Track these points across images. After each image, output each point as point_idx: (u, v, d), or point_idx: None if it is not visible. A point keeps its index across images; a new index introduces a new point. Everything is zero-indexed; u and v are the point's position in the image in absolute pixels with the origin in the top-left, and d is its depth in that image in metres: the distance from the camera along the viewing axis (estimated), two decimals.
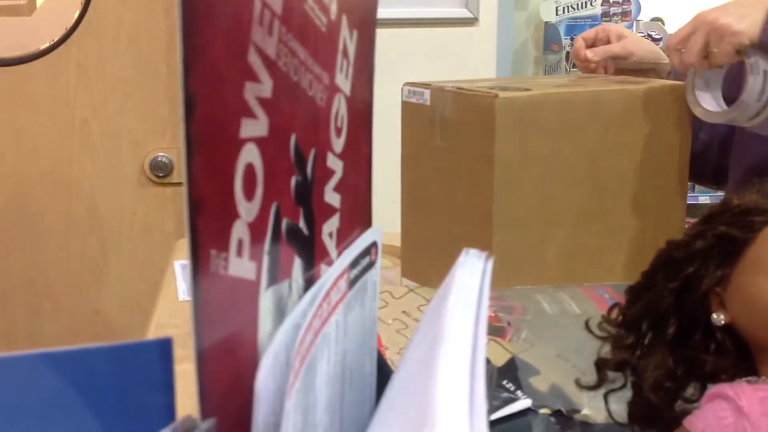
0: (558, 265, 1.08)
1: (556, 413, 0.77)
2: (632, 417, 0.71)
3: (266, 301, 0.40)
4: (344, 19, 0.48)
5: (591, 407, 0.76)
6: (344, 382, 0.50)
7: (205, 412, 0.34)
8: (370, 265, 0.54)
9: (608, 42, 1.35)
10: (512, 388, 0.80)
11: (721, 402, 0.62)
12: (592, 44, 1.35)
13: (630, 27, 3.36)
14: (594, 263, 1.10)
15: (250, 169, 0.37)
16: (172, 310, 1.24)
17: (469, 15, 2.22)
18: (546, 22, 3.27)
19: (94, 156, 2.15)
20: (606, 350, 0.72)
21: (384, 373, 0.59)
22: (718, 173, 1.33)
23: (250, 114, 0.37)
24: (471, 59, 2.26)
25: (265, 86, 0.38)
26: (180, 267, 1.41)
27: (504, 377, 0.81)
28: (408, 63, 2.12)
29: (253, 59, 0.37)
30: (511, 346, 0.86)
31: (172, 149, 2.17)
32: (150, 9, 2.10)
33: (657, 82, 1.14)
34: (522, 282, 1.02)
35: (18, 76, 2.10)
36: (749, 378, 0.64)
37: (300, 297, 0.44)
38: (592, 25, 3.32)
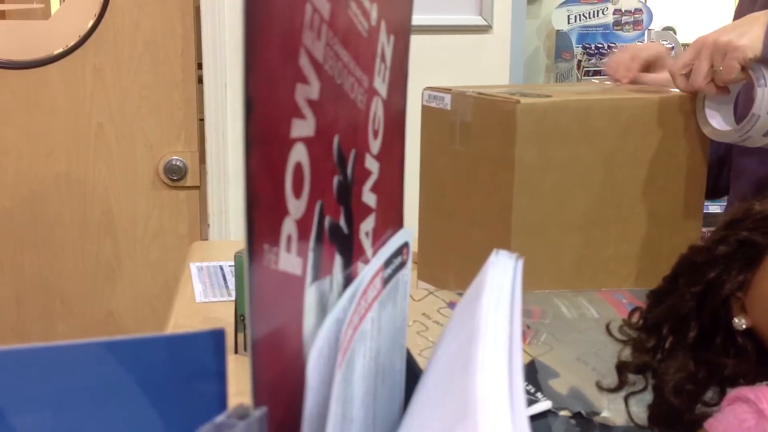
0: (574, 271, 1.09)
1: (576, 415, 0.77)
2: (653, 420, 0.71)
3: (310, 296, 0.41)
4: (383, 24, 0.49)
5: (611, 410, 0.77)
6: (377, 378, 0.51)
7: (257, 401, 0.35)
8: (402, 264, 0.55)
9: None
10: (532, 391, 0.81)
11: (741, 405, 0.63)
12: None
13: (641, 36, 3.37)
14: (609, 270, 1.11)
15: (298, 168, 0.38)
16: (188, 311, 1.25)
17: (483, 23, 2.24)
18: (558, 30, 3.29)
19: (110, 159, 2.17)
20: (626, 353, 0.73)
21: (411, 372, 0.60)
22: (717, 189, 1.35)
23: (300, 115, 0.38)
24: (484, 66, 2.27)
25: (313, 88, 0.39)
26: (196, 269, 1.42)
27: (524, 379, 0.82)
28: (422, 69, 2.13)
29: (304, 62, 0.38)
30: (530, 349, 0.87)
31: (187, 153, 2.19)
32: (166, 14, 2.12)
33: (676, 92, 1.15)
34: (538, 286, 1.03)
35: (34, 80, 2.12)
36: None
37: (339, 293, 0.46)
38: (603, 34, 3.33)
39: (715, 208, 3.33)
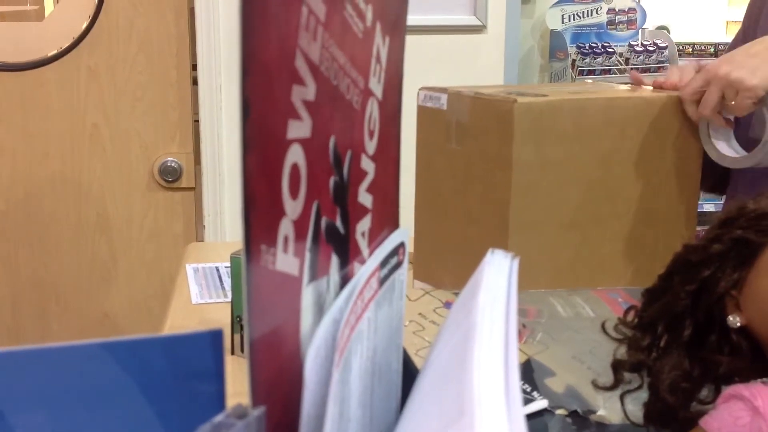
0: (571, 269, 1.09)
1: (572, 414, 0.78)
2: (648, 417, 0.72)
3: (307, 296, 0.41)
4: (378, 25, 0.50)
5: (607, 408, 0.77)
6: (374, 377, 0.51)
7: (255, 401, 0.35)
8: (398, 264, 0.56)
9: None
10: (528, 390, 0.81)
11: (737, 402, 0.64)
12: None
13: (635, 35, 3.38)
14: (606, 268, 1.12)
15: (295, 169, 0.39)
16: (185, 313, 1.25)
17: (477, 23, 2.24)
18: (552, 30, 3.29)
19: (105, 160, 2.17)
20: (621, 352, 0.73)
21: (408, 371, 0.60)
22: (718, 185, 1.35)
23: (297, 116, 0.38)
24: (479, 66, 2.27)
25: (309, 89, 0.40)
26: (192, 270, 1.42)
27: (520, 378, 0.82)
28: (417, 69, 2.13)
29: (300, 64, 0.38)
30: (526, 348, 0.87)
31: (182, 154, 2.19)
32: (161, 14, 2.12)
33: (670, 92, 1.16)
34: (536, 285, 1.03)
35: (29, 82, 2.12)
36: (765, 379, 0.65)
37: (336, 293, 0.46)
38: (597, 34, 3.34)
39: (709, 206, 3.34)
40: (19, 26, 2.14)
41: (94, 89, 2.14)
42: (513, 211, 1.02)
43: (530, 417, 0.78)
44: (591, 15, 3.31)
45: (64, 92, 2.14)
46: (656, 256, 1.15)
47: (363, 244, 0.51)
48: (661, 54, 3.34)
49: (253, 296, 0.35)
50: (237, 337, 1.03)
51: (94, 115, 2.15)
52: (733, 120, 1.12)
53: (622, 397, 0.73)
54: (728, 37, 3.85)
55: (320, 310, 0.43)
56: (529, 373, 0.83)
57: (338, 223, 0.46)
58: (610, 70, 3.26)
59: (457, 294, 0.89)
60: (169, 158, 2.19)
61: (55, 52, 2.12)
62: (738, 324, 0.67)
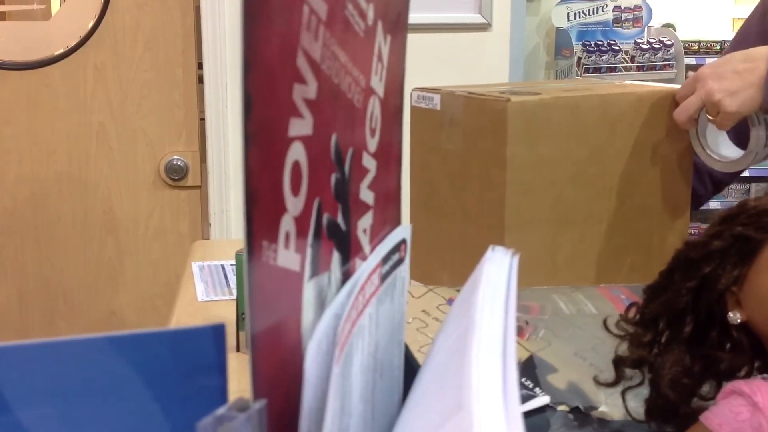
0: (568, 267, 1.09)
1: (574, 410, 0.78)
2: (649, 413, 0.72)
3: (309, 291, 0.42)
4: (380, 24, 0.50)
5: (608, 404, 0.78)
6: (376, 373, 0.52)
7: (257, 394, 0.36)
8: (400, 261, 0.56)
9: None
10: (531, 386, 0.81)
11: (737, 398, 0.64)
12: None
13: (641, 33, 3.38)
14: (602, 265, 1.12)
15: (296, 166, 0.39)
16: (190, 310, 1.26)
17: (482, 20, 2.25)
18: (558, 28, 3.30)
19: (111, 158, 2.18)
20: (623, 348, 0.74)
21: (411, 367, 0.61)
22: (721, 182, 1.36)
23: (298, 114, 0.39)
24: (484, 64, 2.28)
25: (311, 88, 0.40)
26: (198, 268, 1.43)
27: (522, 375, 0.83)
28: (422, 68, 2.13)
29: (301, 62, 0.39)
30: (529, 345, 0.88)
31: (188, 152, 2.20)
32: (166, 13, 2.13)
33: (663, 87, 1.16)
34: (532, 283, 1.04)
35: (36, 81, 2.13)
36: (765, 375, 0.66)
37: (338, 289, 0.47)
38: (603, 31, 3.34)
39: (715, 204, 3.35)
40: (26, 25, 2.15)
41: (100, 88, 2.15)
42: (509, 209, 1.03)
43: (532, 413, 0.78)
44: (597, 12, 3.32)
45: (71, 91, 2.15)
46: (651, 251, 1.16)
47: (365, 240, 0.51)
48: (667, 51, 3.34)
49: (255, 291, 0.35)
50: (242, 334, 1.04)
51: (100, 114, 2.16)
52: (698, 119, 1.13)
53: (623, 394, 0.73)
54: (734, 34, 3.84)
55: (321, 306, 0.44)
56: (532, 369, 0.84)
57: (339, 219, 0.46)
58: (615, 67, 3.26)
59: (459, 291, 0.90)
60: (175, 156, 2.20)
61: (61, 51, 2.13)
62: (738, 320, 0.67)
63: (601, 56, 3.24)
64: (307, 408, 0.39)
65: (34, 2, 2.14)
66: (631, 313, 0.74)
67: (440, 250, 1.14)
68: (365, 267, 0.48)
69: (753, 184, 3.58)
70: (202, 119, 2.17)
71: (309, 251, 0.41)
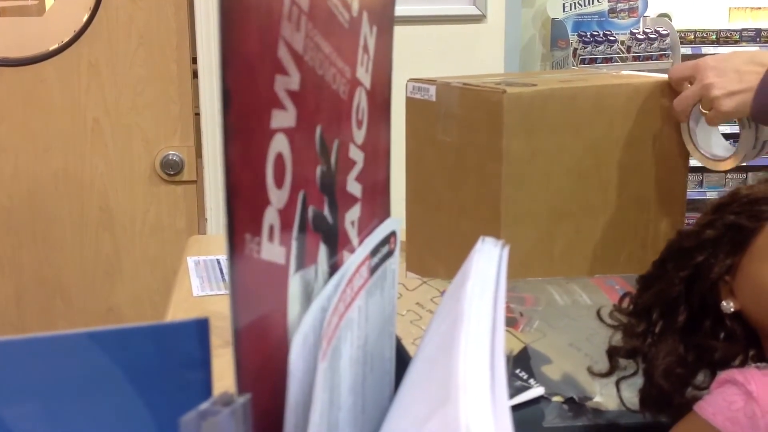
0: (564, 259, 1.09)
1: (569, 401, 0.78)
2: (643, 403, 0.72)
3: (295, 284, 0.42)
4: (365, 15, 0.50)
5: (603, 395, 0.78)
6: (366, 366, 0.51)
7: (241, 388, 0.35)
8: (390, 253, 0.56)
9: None
10: (525, 377, 0.81)
11: (730, 387, 0.64)
12: None
13: (637, 23, 3.38)
14: (599, 256, 1.12)
15: (280, 159, 0.39)
16: (186, 305, 1.26)
17: (477, 12, 2.24)
18: (553, 19, 3.29)
19: (106, 154, 2.18)
20: (617, 339, 0.74)
21: (402, 360, 0.60)
22: None
23: (280, 105, 0.39)
24: (479, 56, 2.27)
25: (294, 79, 0.40)
26: (193, 263, 1.43)
27: (517, 366, 0.82)
28: (416, 60, 2.13)
29: (283, 54, 0.38)
30: (523, 336, 0.88)
31: (183, 147, 2.19)
32: (160, 8, 2.12)
33: (659, 78, 1.16)
34: (529, 275, 1.04)
35: (29, 76, 2.12)
36: (759, 364, 0.66)
37: (325, 282, 0.46)
38: (599, 22, 3.33)
39: (713, 194, 3.35)
40: (20, 21, 2.15)
41: (94, 84, 2.14)
42: (505, 202, 1.02)
43: (527, 404, 0.78)
44: (592, 3, 3.31)
45: (65, 87, 2.14)
46: (647, 242, 1.16)
47: (353, 233, 0.51)
48: (663, 42, 3.33)
49: (238, 285, 0.35)
50: None
51: (95, 110, 2.16)
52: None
53: (617, 384, 0.73)
54: (731, 24, 3.84)
55: (308, 299, 0.43)
56: (526, 360, 0.83)
57: (326, 212, 0.46)
58: (611, 58, 3.26)
59: None
60: (171, 152, 2.19)
61: (56, 46, 2.12)
62: (732, 309, 0.67)
63: (597, 47, 3.23)
64: (293, 402, 0.38)
65: None
66: (625, 304, 0.74)
67: (436, 243, 1.14)
68: (353, 259, 0.48)
69: (750, 174, 3.58)
70: (197, 114, 2.17)
71: (294, 244, 0.41)
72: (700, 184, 3.65)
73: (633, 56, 3.29)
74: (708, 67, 1.07)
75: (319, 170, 0.44)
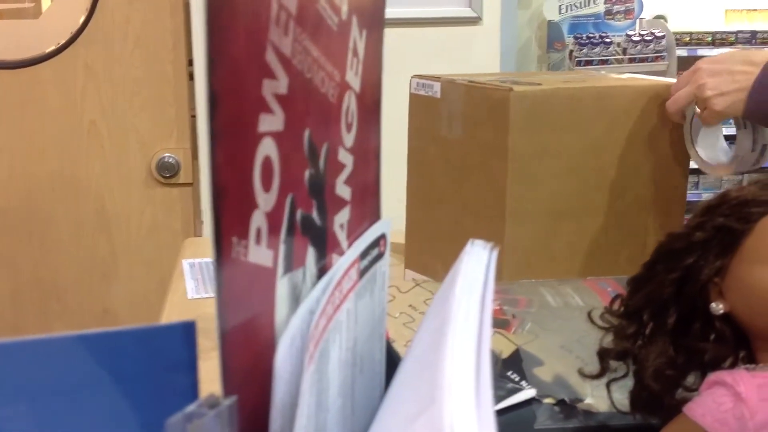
0: (565, 259, 1.10)
1: (560, 402, 0.78)
2: (634, 405, 0.72)
3: (282, 287, 0.42)
4: (354, 19, 0.50)
5: (594, 396, 0.78)
6: (355, 368, 0.52)
7: (227, 390, 0.36)
8: (380, 255, 0.56)
9: None
10: (517, 379, 0.81)
11: (719, 388, 0.64)
12: None
13: (632, 25, 3.38)
14: (599, 257, 1.12)
15: (267, 162, 0.39)
16: (181, 307, 1.26)
17: (472, 14, 2.24)
18: (549, 21, 3.29)
19: (102, 156, 2.18)
20: (608, 340, 0.74)
21: (393, 363, 0.61)
22: None
23: (268, 109, 0.39)
24: (474, 58, 2.28)
25: (281, 83, 0.40)
26: (188, 265, 1.43)
27: (509, 368, 0.83)
28: (412, 62, 2.13)
29: (271, 58, 0.39)
30: (515, 338, 0.88)
31: (179, 150, 2.19)
32: (156, 10, 2.13)
33: (660, 81, 1.16)
34: (531, 275, 1.04)
35: (26, 79, 2.12)
36: (748, 365, 0.66)
37: (313, 285, 0.46)
38: (595, 24, 3.34)
39: (708, 195, 3.34)
40: (16, 23, 2.15)
41: (91, 86, 2.15)
42: (510, 200, 1.02)
43: (518, 406, 0.78)
44: (588, 5, 3.31)
45: (62, 89, 2.14)
46: (647, 243, 1.16)
47: (342, 236, 0.51)
48: (659, 43, 3.34)
49: (224, 287, 0.35)
50: None
51: (91, 112, 2.16)
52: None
53: (608, 386, 0.74)
54: (727, 26, 3.84)
55: (296, 302, 0.44)
56: (518, 362, 0.84)
57: (314, 215, 0.46)
58: (607, 60, 3.26)
59: None
60: (167, 154, 2.20)
61: (52, 48, 2.13)
62: (721, 311, 0.67)
63: (593, 49, 3.24)
64: (280, 404, 0.39)
65: (24, 0, 2.14)
66: (616, 305, 0.74)
67: (436, 241, 1.14)
68: (342, 262, 0.48)
69: (746, 176, 3.58)
70: (194, 116, 2.17)
71: (282, 247, 0.41)
72: (696, 185, 3.66)
73: (629, 58, 3.30)
74: (701, 68, 1.08)
75: (307, 174, 0.45)
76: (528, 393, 0.79)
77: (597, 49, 3.23)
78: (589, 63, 3.22)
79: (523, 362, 0.84)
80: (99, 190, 2.19)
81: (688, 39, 3.55)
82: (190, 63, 2.15)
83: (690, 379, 0.71)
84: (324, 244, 0.48)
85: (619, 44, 3.30)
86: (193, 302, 1.25)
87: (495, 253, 0.53)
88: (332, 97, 0.48)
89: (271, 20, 0.38)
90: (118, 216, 2.21)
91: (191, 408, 0.34)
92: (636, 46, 3.31)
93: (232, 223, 0.36)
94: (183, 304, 1.26)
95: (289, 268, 0.42)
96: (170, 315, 1.24)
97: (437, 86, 1.10)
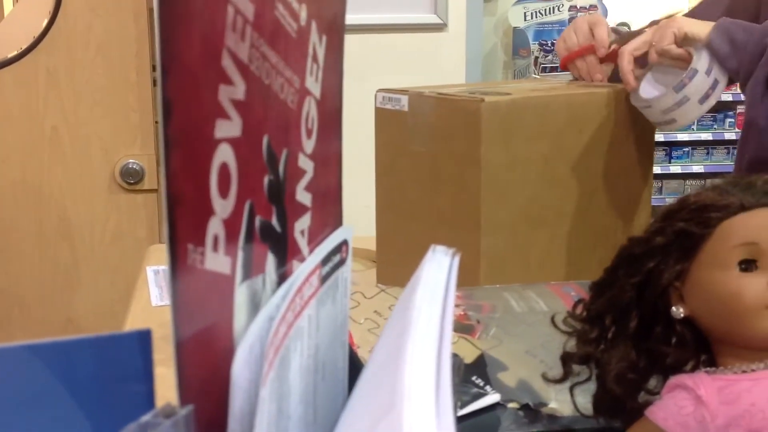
0: (540, 266, 1.10)
1: (524, 407, 0.79)
2: (597, 408, 0.73)
3: (241, 294, 0.41)
4: (314, 25, 0.50)
5: (558, 401, 0.78)
6: (317, 375, 0.51)
7: (184, 400, 0.35)
8: (341, 262, 0.56)
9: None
10: (481, 384, 0.82)
11: (680, 392, 0.65)
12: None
13: None
14: (572, 263, 1.13)
15: (224, 168, 0.39)
16: (144, 315, 1.25)
17: (438, 21, 2.25)
18: (514, 28, 3.32)
19: (65, 163, 2.15)
20: (571, 345, 0.74)
21: (356, 369, 0.60)
22: None
23: (225, 115, 0.39)
24: (440, 64, 2.29)
25: (238, 89, 0.40)
26: (152, 272, 1.42)
27: (473, 373, 0.83)
28: (378, 68, 2.14)
29: (227, 63, 0.38)
30: (480, 343, 0.88)
31: (143, 156, 2.17)
32: (119, 16, 2.11)
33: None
34: (508, 283, 1.04)
35: None
36: (708, 369, 0.67)
37: (273, 292, 0.46)
38: (559, 31, 3.36)
39: (672, 200, 3.38)
40: None
41: (53, 92, 2.12)
42: (484, 210, 1.03)
43: (483, 411, 0.78)
44: (553, 12, 3.34)
45: (23, 95, 2.11)
46: (617, 246, 1.17)
47: (302, 242, 0.51)
48: None
49: (180, 296, 0.35)
50: None
51: (53, 118, 2.13)
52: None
53: (571, 390, 0.74)
54: None
55: (256, 309, 0.43)
56: (483, 367, 0.84)
57: (274, 221, 0.46)
58: None
59: None
60: (131, 160, 2.17)
61: (14, 53, 2.10)
62: (681, 315, 0.68)
63: (557, 55, 3.26)
64: (238, 413, 0.38)
65: None
66: (578, 310, 0.75)
67: (409, 254, 1.13)
68: (303, 269, 0.48)
69: (708, 180, 3.63)
70: (158, 122, 2.15)
71: (240, 254, 0.41)
72: (660, 191, 3.70)
73: None
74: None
75: (266, 180, 0.44)
76: (492, 398, 0.79)
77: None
78: (554, 69, 3.25)
79: (488, 367, 0.84)
80: (61, 198, 2.17)
81: None
82: (154, 69, 2.13)
83: (652, 383, 0.71)
84: (284, 251, 0.48)
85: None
86: (157, 310, 1.24)
87: (456, 259, 0.53)
88: (292, 103, 0.48)
89: (227, 26, 0.38)
90: (81, 223, 2.19)
91: (147, 418, 0.33)
92: None
93: (187, 230, 0.35)
94: (147, 312, 1.25)
95: (248, 275, 0.42)
96: (134, 323, 1.23)
97: (404, 99, 1.10)
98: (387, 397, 0.38)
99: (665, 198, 3.64)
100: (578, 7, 3.39)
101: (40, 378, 0.35)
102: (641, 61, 1.17)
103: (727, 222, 0.65)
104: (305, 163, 0.50)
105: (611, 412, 0.72)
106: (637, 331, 0.70)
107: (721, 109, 3.77)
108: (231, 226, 0.40)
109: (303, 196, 0.50)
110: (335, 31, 0.54)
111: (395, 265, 1.16)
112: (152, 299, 1.29)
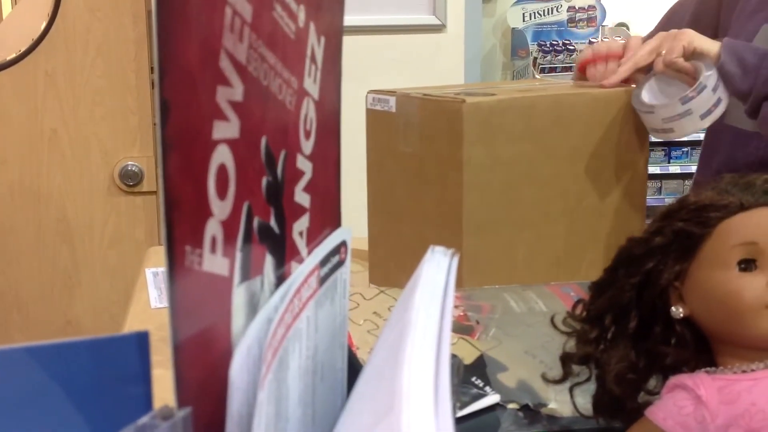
0: (526, 266, 1.10)
1: (524, 408, 0.78)
2: (597, 409, 0.73)
3: (239, 296, 0.41)
4: (312, 26, 0.50)
5: (557, 401, 0.78)
6: (316, 376, 0.51)
7: (181, 402, 0.35)
8: (340, 263, 0.56)
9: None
10: (481, 384, 0.81)
11: (680, 392, 0.65)
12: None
13: (595, 33, 3.42)
14: (560, 264, 1.13)
15: (222, 170, 0.39)
16: (143, 317, 1.25)
17: (436, 22, 2.25)
18: (513, 29, 3.32)
19: (64, 166, 2.15)
20: (571, 345, 0.74)
21: (355, 370, 0.60)
22: None
23: (222, 117, 0.38)
24: (439, 66, 2.29)
25: (236, 90, 0.40)
26: (151, 274, 1.42)
27: (473, 374, 0.83)
28: (376, 70, 2.14)
29: (225, 64, 0.38)
30: (479, 344, 0.88)
31: (142, 158, 2.17)
32: (118, 18, 2.11)
33: (616, 88, 1.18)
34: (492, 283, 1.04)
35: None
36: (708, 368, 0.67)
37: (272, 293, 0.46)
38: (558, 31, 3.36)
39: (671, 200, 3.37)
40: None
41: (51, 94, 2.12)
42: (466, 211, 1.03)
43: (483, 411, 0.78)
44: (552, 13, 3.34)
45: (22, 98, 2.11)
46: (609, 249, 1.16)
47: (301, 243, 0.51)
48: None
49: (177, 297, 0.35)
50: None
51: (52, 121, 2.13)
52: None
53: (571, 390, 0.74)
54: None
55: (254, 311, 0.43)
56: (482, 368, 0.84)
57: (272, 223, 0.46)
58: (571, 67, 3.29)
59: None
60: (130, 162, 2.17)
61: (13, 56, 2.10)
62: (681, 315, 0.68)
63: (556, 56, 3.26)
64: (236, 414, 0.38)
65: None
66: (578, 310, 0.75)
67: (400, 254, 1.14)
68: (301, 270, 0.48)
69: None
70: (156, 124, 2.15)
71: (239, 255, 0.41)
72: (659, 191, 3.70)
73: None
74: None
75: (265, 181, 0.44)
76: (492, 398, 0.79)
77: (560, 57, 3.26)
78: (553, 70, 3.25)
79: (487, 368, 0.84)
80: (61, 200, 2.16)
81: None
82: (153, 71, 2.13)
83: (652, 383, 0.71)
84: (283, 252, 0.48)
85: (581, 51, 3.33)
86: (156, 311, 1.24)
87: (455, 260, 0.53)
88: (290, 104, 0.48)
89: (225, 27, 0.38)
90: (80, 225, 2.19)
91: (144, 420, 0.33)
92: None
93: (185, 232, 0.35)
94: (146, 314, 1.24)
95: (246, 276, 0.42)
96: (132, 324, 1.23)
97: (392, 101, 1.10)
98: (386, 399, 0.38)
99: (664, 198, 3.64)
100: (577, 8, 3.40)
101: (38, 380, 0.35)
102: (645, 67, 1.17)
103: (727, 222, 0.65)
104: (304, 164, 0.50)
105: (611, 412, 0.72)
106: (636, 331, 0.70)
107: None
108: (229, 227, 0.40)
109: (301, 197, 0.50)
110: (334, 32, 0.54)
111: (387, 266, 1.16)
112: (151, 301, 1.28)
